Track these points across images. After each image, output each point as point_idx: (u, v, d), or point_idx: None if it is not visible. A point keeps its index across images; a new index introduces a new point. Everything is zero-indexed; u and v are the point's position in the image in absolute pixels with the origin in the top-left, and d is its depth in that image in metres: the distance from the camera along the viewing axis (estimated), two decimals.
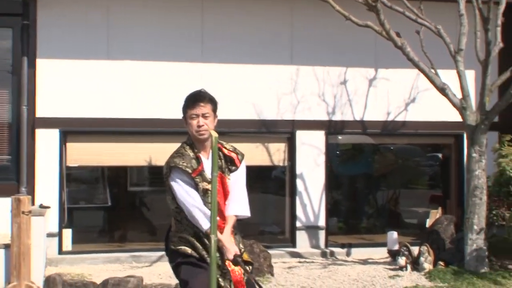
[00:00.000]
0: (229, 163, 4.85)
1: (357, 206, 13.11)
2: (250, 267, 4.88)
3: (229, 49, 10.53)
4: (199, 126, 4.71)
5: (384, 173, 13.36)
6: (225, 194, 4.80)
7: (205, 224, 4.56)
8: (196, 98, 4.78)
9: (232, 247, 4.68)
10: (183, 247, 4.73)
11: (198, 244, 4.69)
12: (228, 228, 4.74)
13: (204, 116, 4.73)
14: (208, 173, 4.68)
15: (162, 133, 10.37)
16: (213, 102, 4.81)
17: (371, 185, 13.27)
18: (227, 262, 4.69)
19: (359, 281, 8.63)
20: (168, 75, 10.33)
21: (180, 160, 4.68)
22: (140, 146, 10.42)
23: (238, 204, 4.84)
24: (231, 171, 4.84)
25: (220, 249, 4.65)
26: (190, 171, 4.66)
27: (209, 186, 4.61)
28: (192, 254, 4.70)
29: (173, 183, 4.68)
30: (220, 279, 4.65)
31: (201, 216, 4.58)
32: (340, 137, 11.48)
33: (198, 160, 4.72)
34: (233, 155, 4.86)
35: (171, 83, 10.30)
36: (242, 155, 4.93)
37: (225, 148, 4.87)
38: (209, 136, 4.67)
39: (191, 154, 4.74)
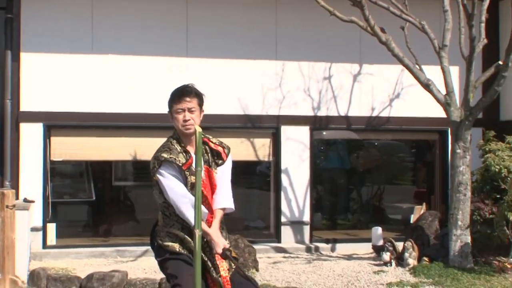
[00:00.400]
0: (215, 157, 4.83)
1: (341, 201, 13.14)
2: (235, 263, 4.88)
3: (214, 44, 10.51)
4: (185, 121, 4.70)
5: (369, 168, 13.41)
6: (212, 188, 4.79)
7: (192, 221, 4.54)
8: (182, 93, 4.75)
9: (220, 240, 4.68)
10: (171, 244, 4.72)
11: (188, 238, 4.67)
12: (216, 222, 4.74)
13: (190, 110, 4.71)
14: (194, 164, 4.66)
15: (146, 128, 10.34)
16: (199, 97, 4.79)
17: (356, 180, 13.32)
18: (216, 256, 4.69)
19: (343, 276, 8.65)
20: (152, 70, 10.31)
21: (169, 154, 4.66)
22: (125, 141, 10.40)
23: (225, 197, 4.83)
24: (218, 165, 4.83)
25: (209, 243, 4.66)
26: (180, 164, 4.64)
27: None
28: (180, 251, 4.69)
29: (161, 178, 4.65)
30: (212, 272, 4.67)
31: (192, 211, 4.50)
32: (324, 133, 11.52)
33: (187, 153, 4.71)
34: (220, 148, 4.84)
35: (156, 77, 10.28)
36: (229, 149, 4.92)
37: (211, 142, 4.85)
38: (194, 130, 4.61)
39: (179, 148, 4.73)
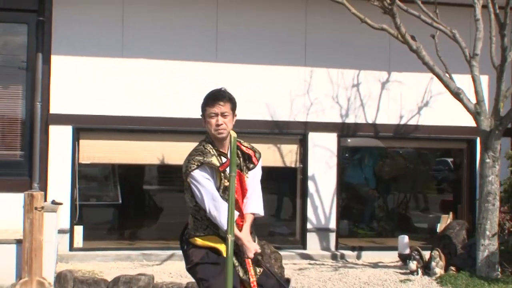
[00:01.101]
0: (247, 161, 4.89)
1: (367, 209, 13.07)
2: (265, 265, 4.90)
3: (243, 50, 10.53)
4: (217, 125, 4.75)
5: (395, 177, 13.35)
6: (243, 192, 4.83)
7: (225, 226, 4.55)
8: (216, 97, 4.81)
9: (252, 245, 4.70)
10: (200, 245, 4.75)
11: (219, 239, 4.68)
12: (247, 226, 4.76)
13: (223, 115, 4.76)
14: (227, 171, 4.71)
15: (175, 132, 10.36)
16: (232, 102, 4.85)
17: (382, 188, 13.24)
18: (247, 261, 4.70)
19: (369, 285, 8.61)
20: (182, 75, 10.34)
21: (202, 157, 4.69)
22: (153, 145, 10.41)
23: (255, 202, 4.88)
24: (249, 168, 4.88)
25: (240, 247, 4.66)
26: (216, 166, 4.67)
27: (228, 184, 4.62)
28: (208, 256, 4.70)
29: (194, 180, 4.68)
30: (241, 275, 4.70)
31: (224, 214, 4.54)
32: (349, 140, 11.47)
33: (221, 156, 4.76)
34: (251, 152, 4.91)
35: (185, 82, 10.31)
36: (259, 153, 4.97)
37: (243, 145, 4.91)
38: (227, 135, 4.73)
39: (212, 151, 4.74)
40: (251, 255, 4.67)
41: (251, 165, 4.89)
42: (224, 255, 4.64)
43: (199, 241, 4.77)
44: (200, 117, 4.92)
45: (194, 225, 4.82)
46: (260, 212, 4.90)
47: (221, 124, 4.73)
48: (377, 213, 13.31)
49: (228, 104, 4.80)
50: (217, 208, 4.60)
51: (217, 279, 4.56)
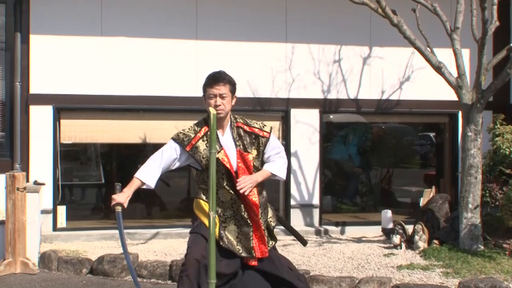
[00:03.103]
0: (254, 139, 4.99)
1: (350, 184, 13.10)
2: (273, 242, 5.08)
3: (223, 26, 10.46)
4: (216, 106, 4.90)
5: (378, 152, 13.38)
6: (249, 170, 4.94)
7: (139, 173, 4.97)
8: (216, 78, 5.00)
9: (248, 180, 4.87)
10: (198, 213, 5.00)
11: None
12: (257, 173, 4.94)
13: (221, 96, 4.96)
14: (227, 149, 4.90)
15: (156, 111, 10.33)
16: (231, 84, 5.07)
17: (365, 164, 13.27)
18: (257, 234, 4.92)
19: (354, 259, 8.63)
20: (162, 52, 10.27)
21: (184, 134, 4.97)
22: (134, 123, 10.37)
23: (275, 164, 5.06)
24: (260, 144, 4.99)
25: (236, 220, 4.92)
26: (186, 144, 4.92)
27: (218, 155, 4.76)
28: (200, 227, 4.91)
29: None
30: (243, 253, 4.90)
31: (144, 167, 4.97)
32: (332, 116, 11.46)
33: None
34: (255, 130, 5.04)
35: (165, 60, 10.25)
36: (269, 127, 5.13)
37: (246, 125, 5.06)
38: (225, 115, 4.96)
39: (202, 130, 4.96)
40: (241, 187, 4.80)
41: (263, 139, 5.00)
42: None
43: (196, 208, 5.00)
44: (202, 97, 5.07)
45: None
46: (277, 173, 5.05)
47: (219, 105, 4.91)
48: (360, 188, 13.34)
49: (227, 86, 4.99)
50: (144, 164, 5.00)
51: (195, 246, 4.81)
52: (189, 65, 10.10)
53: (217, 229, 4.86)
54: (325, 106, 10.89)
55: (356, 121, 12.06)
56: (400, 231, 9.24)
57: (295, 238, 5.72)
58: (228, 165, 4.81)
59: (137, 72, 10.19)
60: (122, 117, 10.34)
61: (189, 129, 5.01)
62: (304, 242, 5.65)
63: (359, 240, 10.07)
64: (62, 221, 10.04)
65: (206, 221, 4.85)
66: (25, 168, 9.75)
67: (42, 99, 9.88)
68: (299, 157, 10.73)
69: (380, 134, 13.49)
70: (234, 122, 5.03)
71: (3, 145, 9.96)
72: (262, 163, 5.05)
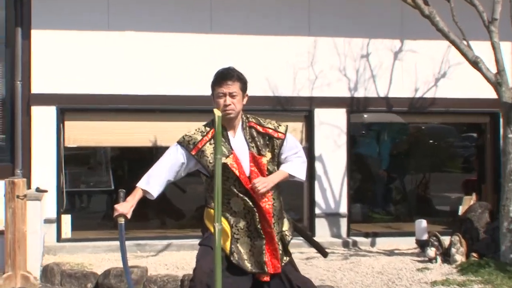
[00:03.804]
0: (267, 140, 5.02)
1: (382, 191, 13.10)
2: (287, 258, 5.09)
3: (240, 19, 10.56)
4: (225, 105, 4.92)
5: (414, 155, 13.36)
6: (262, 174, 4.97)
7: (141, 181, 5.01)
8: (224, 76, 4.99)
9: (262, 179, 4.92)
10: (208, 223, 5.03)
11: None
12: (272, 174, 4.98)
13: (231, 95, 4.95)
14: (239, 151, 4.93)
15: (168, 111, 10.45)
16: (242, 81, 5.02)
17: (398, 168, 13.25)
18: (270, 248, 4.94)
19: (383, 274, 8.65)
20: (174, 48, 10.37)
21: (191, 138, 5.01)
22: (145, 125, 10.50)
23: (293, 164, 5.09)
24: (274, 146, 5.02)
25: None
26: (192, 147, 4.95)
27: (226, 161, 4.82)
28: (210, 239, 4.90)
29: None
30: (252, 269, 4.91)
31: (146, 175, 5.01)
32: (363, 116, 11.50)
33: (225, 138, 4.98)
34: (270, 130, 5.04)
35: (178, 56, 10.35)
36: (285, 126, 5.14)
37: (260, 125, 5.06)
38: (236, 115, 4.96)
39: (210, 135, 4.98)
40: (255, 187, 4.85)
41: (278, 141, 5.02)
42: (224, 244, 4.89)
43: (206, 218, 5.05)
44: (210, 96, 5.11)
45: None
46: (295, 173, 5.09)
47: (229, 105, 4.92)
48: (394, 195, 13.34)
49: (237, 84, 4.97)
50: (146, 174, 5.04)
51: (204, 260, 4.84)
52: (203, 61, 10.17)
53: (228, 243, 4.93)
54: (353, 105, 10.93)
55: (389, 121, 12.07)
56: (436, 243, 9.24)
57: (317, 251, 5.77)
58: (237, 171, 4.85)
59: (147, 70, 10.31)
60: (132, 118, 10.47)
61: (196, 130, 5.04)
62: (324, 254, 5.69)
63: (391, 252, 10.09)
64: (66, 231, 10.18)
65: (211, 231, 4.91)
66: (27, 173, 9.90)
67: (45, 99, 10.03)
68: (324, 161, 10.78)
69: (416, 135, 13.48)
70: (246, 122, 5.04)
71: (3, 149, 10.11)
72: (278, 166, 5.08)
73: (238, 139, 5.00)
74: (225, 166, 4.78)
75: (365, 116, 11.51)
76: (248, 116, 5.10)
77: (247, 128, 5.02)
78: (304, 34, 10.75)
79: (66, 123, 10.23)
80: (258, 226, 4.90)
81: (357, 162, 12.14)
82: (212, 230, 4.90)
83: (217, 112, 4.22)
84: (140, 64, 10.30)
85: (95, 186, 12.25)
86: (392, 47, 11.06)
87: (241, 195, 4.89)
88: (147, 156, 12.43)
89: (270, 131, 5.04)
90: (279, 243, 5.00)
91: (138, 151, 12.21)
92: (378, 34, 10.96)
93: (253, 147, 4.97)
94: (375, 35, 10.96)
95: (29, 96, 10.03)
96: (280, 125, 5.11)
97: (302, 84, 10.76)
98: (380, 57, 11.01)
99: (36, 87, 10.06)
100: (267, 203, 4.95)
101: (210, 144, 4.93)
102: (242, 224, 4.94)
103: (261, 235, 4.92)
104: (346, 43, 10.90)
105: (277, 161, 5.07)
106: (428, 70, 11.14)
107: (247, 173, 4.93)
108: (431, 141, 13.55)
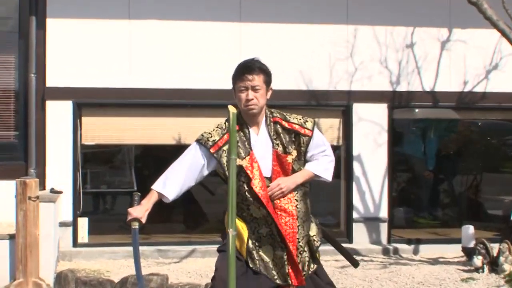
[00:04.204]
0: (293, 136, 5.00)
1: (428, 194, 12.99)
2: (315, 266, 5.06)
3: (271, 7, 10.55)
4: (247, 100, 4.92)
5: (462, 154, 13.25)
6: (286, 174, 4.96)
7: (156, 183, 4.99)
8: (246, 68, 4.96)
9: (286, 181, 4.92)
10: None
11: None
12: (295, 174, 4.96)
13: (254, 89, 4.92)
14: (257, 150, 4.91)
15: (194, 106, 10.46)
16: (266, 73, 4.98)
17: (446, 169, 13.14)
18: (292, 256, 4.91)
19: (424, 285, 8.61)
20: (200, 38, 10.39)
21: (211, 135, 4.99)
22: (168, 121, 10.53)
23: (318, 163, 5.07)
24: (300, 144, 4.99)
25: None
26: (211, 144, 4.92)
27: (242, 163, 4.82)
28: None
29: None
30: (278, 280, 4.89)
31: (163, 176, 5.00)
32: (417, 110, 11.38)
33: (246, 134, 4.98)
34: (296, 126, 5.01)
35: (204, 47, 10.37)
36: (312, 122, 5.09)
37: (285, 120, 5.03)
38: (259, 111, 4.94)
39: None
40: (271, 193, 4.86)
41: (305, 138, 5.00)
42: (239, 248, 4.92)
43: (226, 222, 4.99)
44: (231, 89, 5.09)
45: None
46: (321, 173, 5.06)
47: (252, 99, 4.90)
48: (441, 198, 13.23)
49: (260, 76, 4.94)
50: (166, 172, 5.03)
51: (224, 268, 4.74)
52: (232, 53, 10.18)
53: (244, 248, 4.91)
54: (394, 100, 10.87)
55: (435, 117, 11.99)
56: (483, 251, 9.17)
57: (357, 259, 5.75)
58: (251, 174, 4.83)
59: (171, 61, 10.34)
60: (154, 114, 10.50)
61: (217, 127, 5.03)
62: (355, 264, 5.64)
63: (434, 261, 10.02)
64: (83, 235, 10.25)
65: (236, 239, 4.89)
66: (41, 173, 9.98)
67: (61, 93, 10.10)
68: (363, 161, 10.73)
69: (466, 133, 13.34)
70: (270, 117, 5.01)
71: (16, 146, 10.20)
72: (304, 164, 5.05)
73: (262, 136, 4.98)
74: (240, 168, 4.77)
75: (416, 110, 11.37)
76: (273, 111, 5.07)
77: (272, 124, 4.99)
78: (342, 23, 10.71)
79: (83, 119, 10.29)
80: (277, 235, 4.88)
81: (399, 163, 12.06)
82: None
83: (232, 109, 4.21)
84: (164, 55, 10.33)
85: (117, 187, 12.31)
86: (439, 36, 10.97)
87: (256, 202, 4.87)
88: (173, 155, 12.48)
89: (297, 127, 5.01)
90: (306, 248, 4.97)
91: (164, 150, 12.24)
92: (423, 23, 10.88)
93: (277, 144, 4.95)
94: (419, 24, 10.89)
95: (43, 90, 10.11)
96: (307, 121, 5.07)
97: (339, 77, 10.72)
98: (426, 47, 10.94)
99: (51, 80, 10.13)
100: (290, 205, 4.92)
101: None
102: (264, 230, 4.91)
103: (282, 245, 4.89)
104: (388, 32, 10.85)
105: (303, 159, 5.04)
106: (479, 61, 11.05)
107: (268, 173, 4.91)
108: (482, 139, 13.39)
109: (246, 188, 4.86)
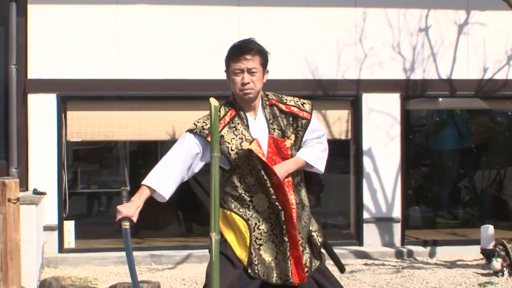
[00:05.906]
0: (291, 120, 4.97)
1: (445, 191, 12.97)
2: (318, 263, 5.02)
3: None
4: (243, 84, 4.87)
5: (483, 148, 13.23)
6: (284, 159, 4.93)
7: (148, 179, 4.85)
8: (242, 49, 4.89)
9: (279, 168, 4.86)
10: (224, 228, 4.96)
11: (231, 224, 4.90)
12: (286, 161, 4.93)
13: (250, 71, 4.87)
14: (255, 136, 4.86)
15: (190, 98, 10.46)
16: (262, 55, 4.93)
17: (465, 164, 13.13)
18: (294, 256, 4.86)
19: None
20: (195, 23, 10.39)
21: (206, 123, 4.89)
22: (162, 115, 10.54)
23: (311, 151, 5.03)
24: (298, 127, 4.97)
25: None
26: (207, 132, 4.83)
27: (251, 146, 4.78)
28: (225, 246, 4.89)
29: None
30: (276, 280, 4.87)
31: (154, 171, 4.87)
32: (440, 99, 11.34)
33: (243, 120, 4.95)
34: (294, 109, 4.98)
35: (200, 33, 10.37)
36: (309, 104, 5.06)
37: (282, 103, 5.01)
38: (256, 95, 4.90)
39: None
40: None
41: (303, 121, 4.97)
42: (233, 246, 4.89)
43: (223, 221, 4.95)
44: (224, 72, 5.02)
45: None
46: (313, 162, 5.02)
47: (248, 83, 4.85)
48: (461, 196, 13.21)
49: (257, 58, 4.89)
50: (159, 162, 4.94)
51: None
52: (229, 40, 10.00)
53: (246, 253, 4.87)
54: (408, 89, 10.87)
55: (453, 107, 11.97)
56: (502, 252, 9.14)
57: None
58: (263, 157, 4.79)
59: (163, 50, 10.35)
60: (147, 107, 10.52)
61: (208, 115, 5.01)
62: (341, 269, 5.54)
63: (452, 264, 10.02)
64: (70, 240, 10.27)
65: (234, 239, 4.87)
66: (23, 173, 10.01)
67: (44, 85, 10.12)
68: (374, 156, 10.73)
69: (487, 124, 13.32)
70: (265, 101, 4.97)
71: None
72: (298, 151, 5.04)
73: (259, 122, 4.95)
74: (250, 153, 4.75)
75: (440, 99, 11.30)
76: (267, 93, 5.02)
77: (268, 106, 4.95)
78: (350, 5, 10.71)
79: (69, 113, 10.31)
80: (283, 226, 4.82)
81: (414, 157, 12.03)
82: (227, 236, 4.88)
83: (214, 102, 4.21)
84: (156, 43, 10.33)
85: (106, 187, 12.31)
86: (456, 19, 10.96)
87: (271, 189, 4.80)
88: (168, 150, 12.54)
89: (295, 109, 4.97)
90: (307, 244, 4.96)
91: (158, 146, 12.28)
92: (439, 4, 10.88)
93: (273, 129, 4.91)
94: (435, 5, 10.88)
95: (25, 82, 10.13)
96: (304, 103, 5.03)
97: (348, 65, 10.72)
98: (442, 31, 10.92)
99: (33, 72, 10.15)
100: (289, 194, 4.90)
101: (230, 128, 4.85)
102: (265, 226, 4.86)
103: (285, 238, 4.85)
104: (401, 15, 10.85)
105: (299, 145, 5.01)
106: (499, 46, 11.03)
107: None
108: (506, 130, 13.36)
109: (257, 174, 4.80)
